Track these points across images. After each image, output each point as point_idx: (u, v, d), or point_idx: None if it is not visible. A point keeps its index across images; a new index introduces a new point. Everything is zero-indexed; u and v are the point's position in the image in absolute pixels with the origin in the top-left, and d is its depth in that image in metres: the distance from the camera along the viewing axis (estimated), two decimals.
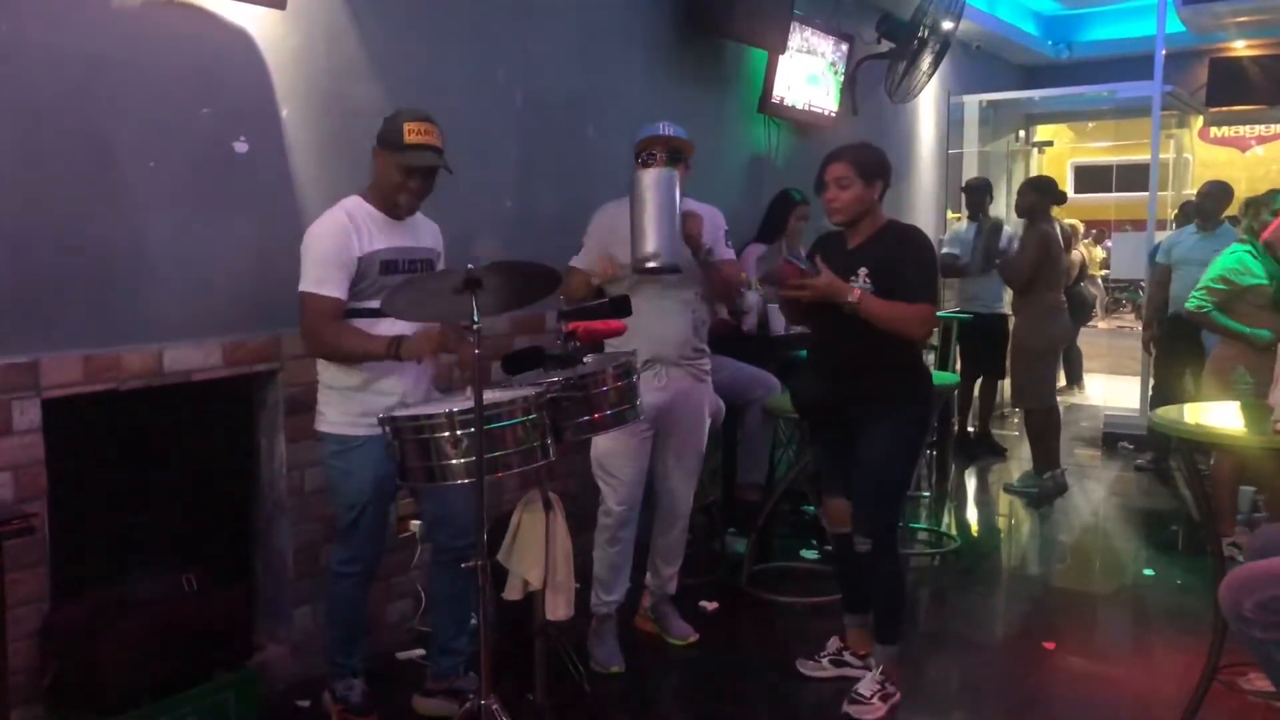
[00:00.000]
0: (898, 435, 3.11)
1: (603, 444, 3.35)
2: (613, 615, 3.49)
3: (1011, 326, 6.06)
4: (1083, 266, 8.81)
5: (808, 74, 5.78)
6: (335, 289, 2.77)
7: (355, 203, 2.87)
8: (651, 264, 3.11)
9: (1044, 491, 5.72)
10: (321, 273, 2.77)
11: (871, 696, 3.10)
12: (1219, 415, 3.24)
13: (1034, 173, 8.93)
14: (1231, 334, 4.45)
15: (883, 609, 3.23)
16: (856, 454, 3.12)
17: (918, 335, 3.13)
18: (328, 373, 2.90)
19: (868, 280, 3.02)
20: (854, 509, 3.18)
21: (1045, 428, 5.79)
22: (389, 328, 2.77)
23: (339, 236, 2.78)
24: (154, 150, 2.87)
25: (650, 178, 3.12)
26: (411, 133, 2.78)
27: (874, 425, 3.08)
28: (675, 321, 3.38)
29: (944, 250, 6.72)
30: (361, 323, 2.80)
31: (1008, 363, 6.29)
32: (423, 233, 2.99)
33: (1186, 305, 4.59)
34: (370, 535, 2.96)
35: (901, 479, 3.26)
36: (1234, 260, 4.47)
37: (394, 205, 2.87)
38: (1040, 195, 5.75)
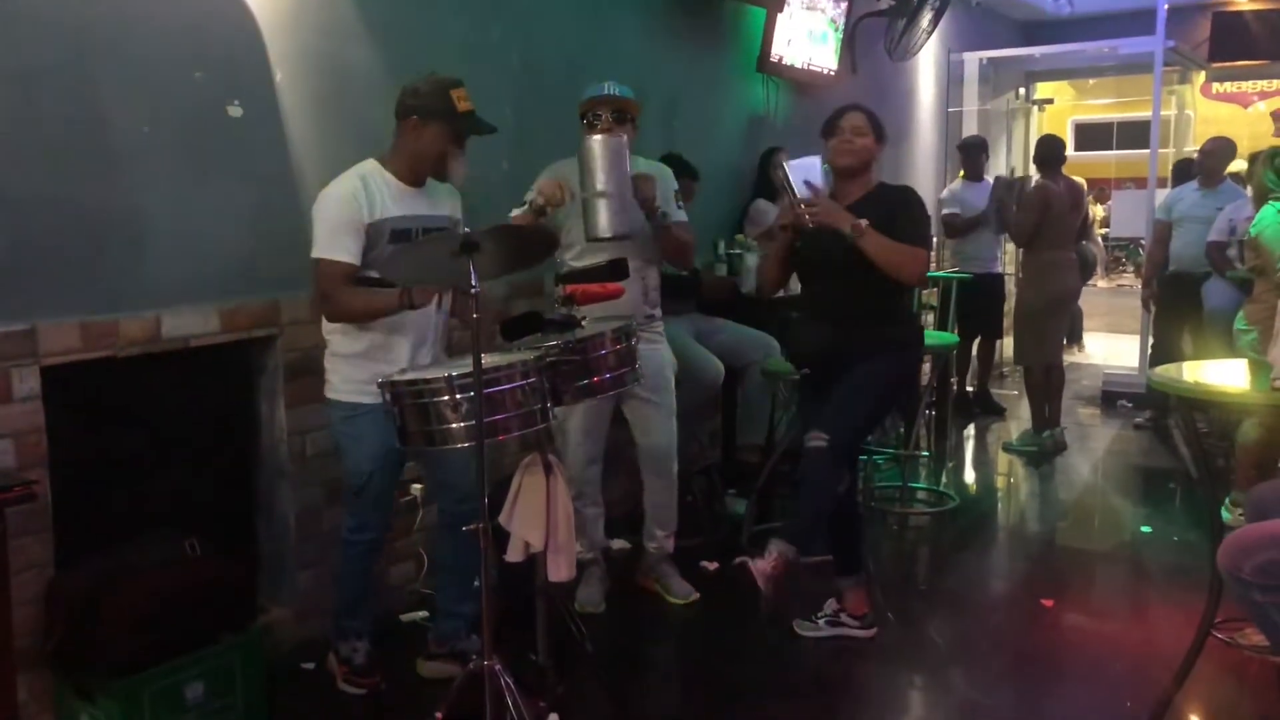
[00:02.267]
0: (886, 367, 3.15)
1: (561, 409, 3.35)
2: (598, 560, 3.62)
3: (1016, 284, 6.05)
4: (1086, 224, 8.79)
5: (809, 30, 5.71)
6: (346, 254, 2.75)
7: (372, 168, 2.84)
8: (605, 234, 3.09)
9: (1043, 450, 5.73)
10: (331, 239, 2.76)
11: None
12: (1217, 373, 3.24)
13: (1034, 131, 8.87)
14: None
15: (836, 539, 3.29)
16: (841, 383, 3.13)
17: (913, 276, 3.12)
18: (334, 340, 2.90)
19: None
20: (824, 413, 3.13)
21: (1045, 386, 5.79)
22: None
23: (348, 202, 2.76)
24: (148, 115, 2.85)
25: (599, 145, 3.07)
26: (460, 99, 2.78)
27: (864, 362, 3.11)
28: (626, 289, 3.32)
29: (944, 211, 6.69)
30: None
31: (1008, 321, 6.28)
32: (441, 200, 2.96)
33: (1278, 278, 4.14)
34: (378, 501, 2.98)
35: (877, 401, 3.22)
36: None
37: (422, 178, 2.87)
38: (1039, 155, 5.79)
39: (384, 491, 2.99)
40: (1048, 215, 5.58)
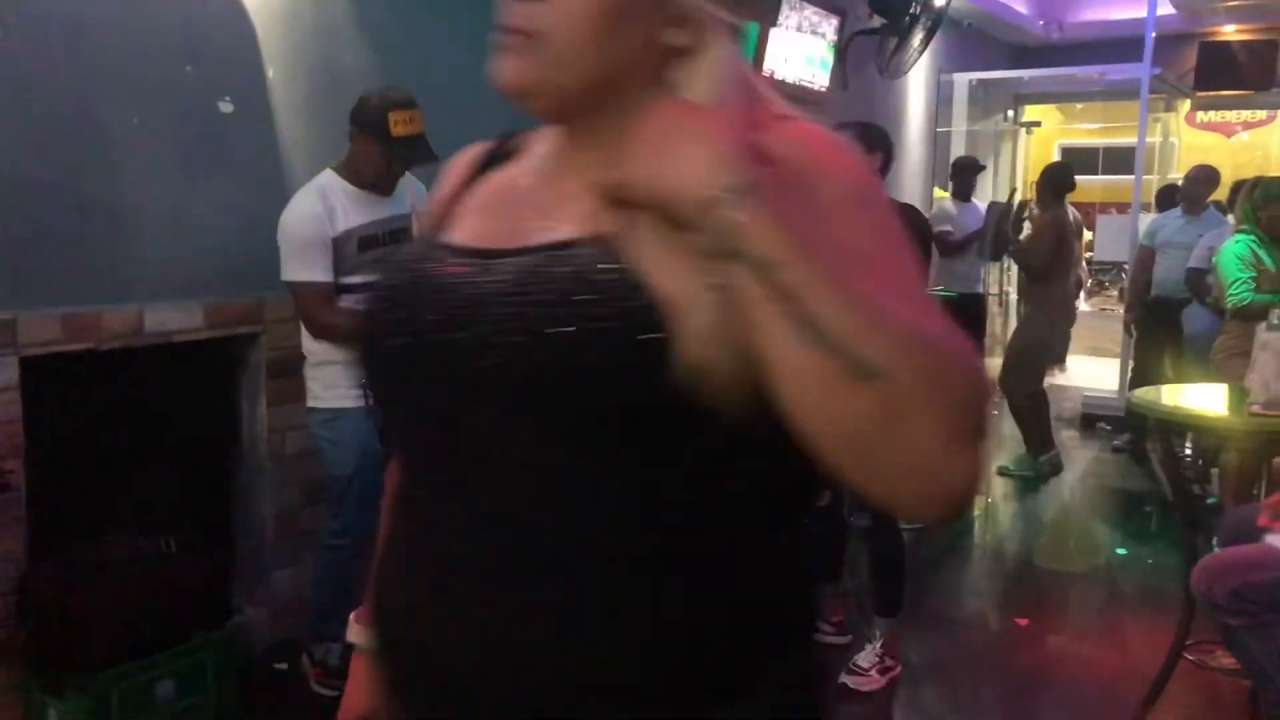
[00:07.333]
0: None
1: None
2: None
3: (1021, 311, 6.03)
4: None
5: (806, 54, 5.75)
6: (321, 273, 2.77)
7: (329, 179, 2.86)
8: None
9: (1039, 474, 5.68)
10: (303, 259, 2.77)
11: (870, 669, 3.16)
12: (1195, 397, 3.27)
13: (1022, 152, 8.93)
14: None
15: (881, 583, 3.28)
16: None
17: None
18: (317, 349, 2.90)
19: None
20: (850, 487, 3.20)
21: (1032, 410, 5.77)
22: None
23: (311, 220, 2.78)
24: (137, 109, 2.83)
25: None
26: (398, 124, 2.76)
27: None
28: None
29: (936, 228, 6.69)
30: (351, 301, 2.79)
31: (990, 341, 6.29)
32: (403, 198, 2.97)
33: (1229, 304, 4.22)
34: (360, 505, 2.95)
35: None
36: (1242, 249, 4.29)
37: (373, 186, 2.88)
38: (1050, 182, 5.74)
39: (367, 494, 2.98)
40: (1062, 244, 5.58)
